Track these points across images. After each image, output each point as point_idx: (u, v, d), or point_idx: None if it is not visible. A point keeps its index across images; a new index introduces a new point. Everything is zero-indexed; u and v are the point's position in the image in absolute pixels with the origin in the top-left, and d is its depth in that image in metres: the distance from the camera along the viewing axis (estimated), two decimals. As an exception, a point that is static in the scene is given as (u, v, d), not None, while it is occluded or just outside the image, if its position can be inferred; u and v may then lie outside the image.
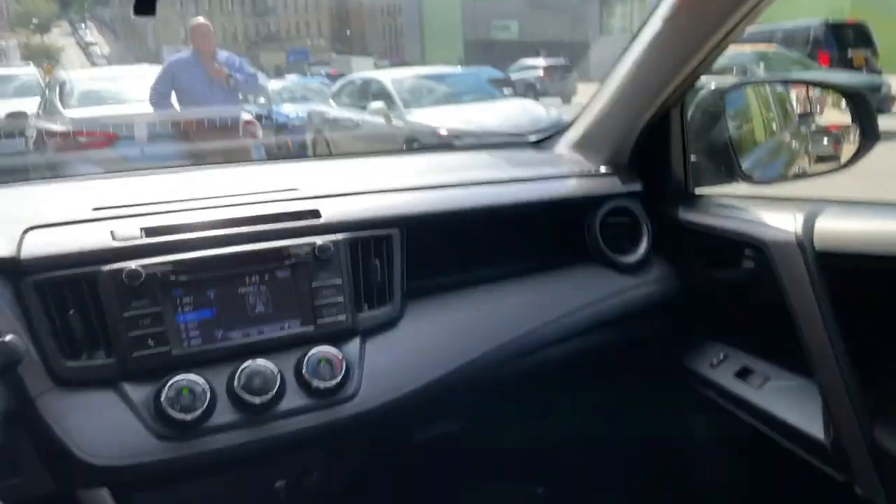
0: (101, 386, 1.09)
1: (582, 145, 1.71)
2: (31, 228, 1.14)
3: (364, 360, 1.22)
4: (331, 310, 1.21)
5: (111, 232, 1.15)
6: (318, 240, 1.23)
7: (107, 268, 1.10)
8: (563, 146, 1.78)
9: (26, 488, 1.08)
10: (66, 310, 1.09)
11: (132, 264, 1.11)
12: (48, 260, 1.09)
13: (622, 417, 1.62)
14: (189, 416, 1.06)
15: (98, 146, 6.06)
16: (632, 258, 1.54)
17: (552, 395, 1.55)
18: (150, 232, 1.17)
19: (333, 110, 9.70)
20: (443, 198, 1.44)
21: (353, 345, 1.23)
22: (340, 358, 1.17)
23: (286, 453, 1.22)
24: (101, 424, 1.06)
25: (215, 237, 1.20)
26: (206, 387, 1.09)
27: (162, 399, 1.06)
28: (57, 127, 6.35)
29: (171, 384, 1.07)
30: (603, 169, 1.63)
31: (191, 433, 1.07)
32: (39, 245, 1.11)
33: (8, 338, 0.89)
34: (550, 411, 1.66)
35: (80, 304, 1.10)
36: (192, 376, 1.09)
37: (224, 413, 1.10)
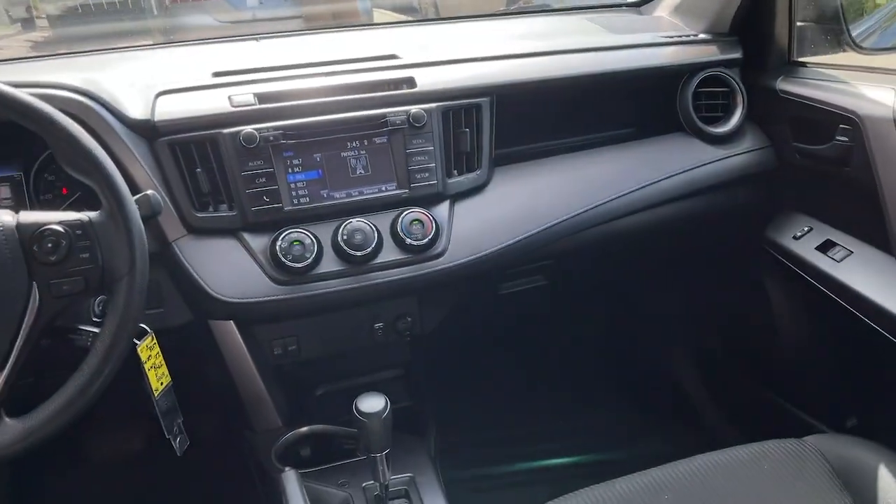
0: (225, 234, 1.26)
1: (682, 9, 1.66)
2: (162, 93, 1.28)
3: (452, 221, 1.33)
4: (423, 174, 1.32)
5: (229, 98, 1.28)
6: (413, 108, 1.31)
7: (226, 131, 1.24)
8: (664, 9, 1.74)
9: (168, 317, 1.29)
10: (194, 168, 1.24)
11: (248, 128, 1.23)
12: (177, 123, 1.24)
13: (699, 287, 1.69)
14: (299, 265, 1.22)
15: (212, -1, 6.20)
16: (724, 128, 1.54)
17: (631, 262, 1.63)
18: (262, 98, 1.29)
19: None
20: (534, 66, 1.47)
21: (443, 207, 1.34)
22: (431, 219, 1.29)
23: (383, 300, 1.38)
24: (227, 267, 1.24)
25: (320, 104, 1.30)
26: (314, 239, 1.23)
27: (277, 248, 1.22)
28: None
29: (284, 236, 1.22)
30: (702, 35, 1.60)
31: (301, 279, 1.24)
32: (169, 109, 1.25)
33: (149, 192, 1.04)
34: (627, 278, 1.75)
35: (206, 162, 1.24)
36: (301, 230, 1.23)
37: (329, 263, 1.25)
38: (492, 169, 1.40)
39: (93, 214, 0.99)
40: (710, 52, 1.56)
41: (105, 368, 0.97)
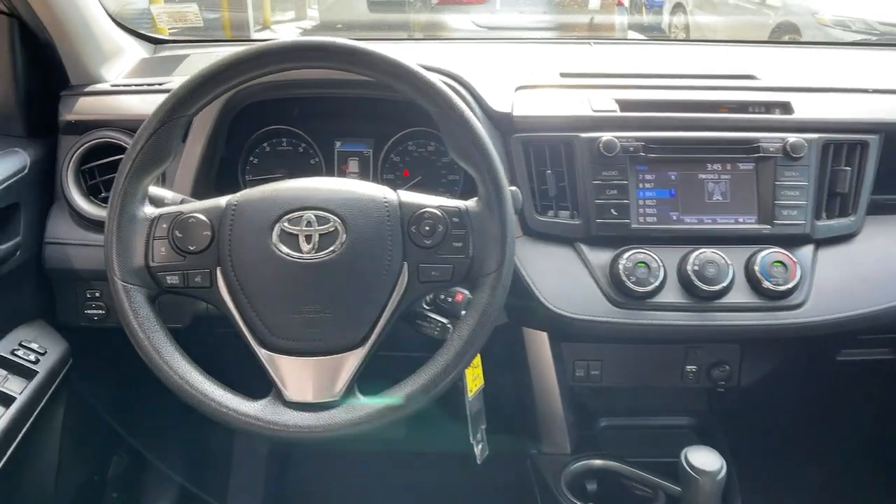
0: (561, 243, 1.18)
1: None
2: (521, 88, 1.24)
3: (815, 269, 1.16)
4: (791, 212, 1.16)
5: (588, 101, 1.21)
6: (791, 137, 1.16)
7: (584, 135, 1.16)
8: None
9: None
10: (544, 169, 1.18)
11: (608, 135, 1.15)
12: (535, 120, 1.19)
13: None
14: (642, 289, 1.12)
15: (475, 2, 6.41)
16: None
17: None
18: (624, 105, 1.20)
19: (702, -15, 8.88)
20: None
21: (807, 252, 1.17)
22: (794, 262, 1.13)
23: (705, 343, 1.24)
24: (561, 278, 1.16)
25: (683, 119, 1.19)
26: (660, 264, 1.12)
27: (620, 268, 1.12)
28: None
29: (629, 256, 1.13)
30: None
31: (639, 304, 1.13)
32: (528, 105, 1.20)
33: (514, 188, 0.99)
34: None
35: (556, 165, 1.18)
36: (648, 251, 1.13)
37: (672, 293, 1.13)
38: (865, 216, 1.21)
39: (469, 203, 0.95)
40: None
41: (458, 365, 0.92)
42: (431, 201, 0.95)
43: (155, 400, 1.56)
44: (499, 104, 1.20)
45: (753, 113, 1.22)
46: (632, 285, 1.12)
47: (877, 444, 1.53)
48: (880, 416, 1.47)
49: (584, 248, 1.17)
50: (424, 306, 1.15)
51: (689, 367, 1.31)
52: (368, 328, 0.92)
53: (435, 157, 1.34)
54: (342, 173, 1.33)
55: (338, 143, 1.33)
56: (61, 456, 1.31)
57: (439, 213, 0.93)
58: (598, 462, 1.29)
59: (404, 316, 0.99)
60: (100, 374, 1.36)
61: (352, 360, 0.92)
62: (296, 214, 0.91)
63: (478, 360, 1.18)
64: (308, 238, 0.91)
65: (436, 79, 0.93)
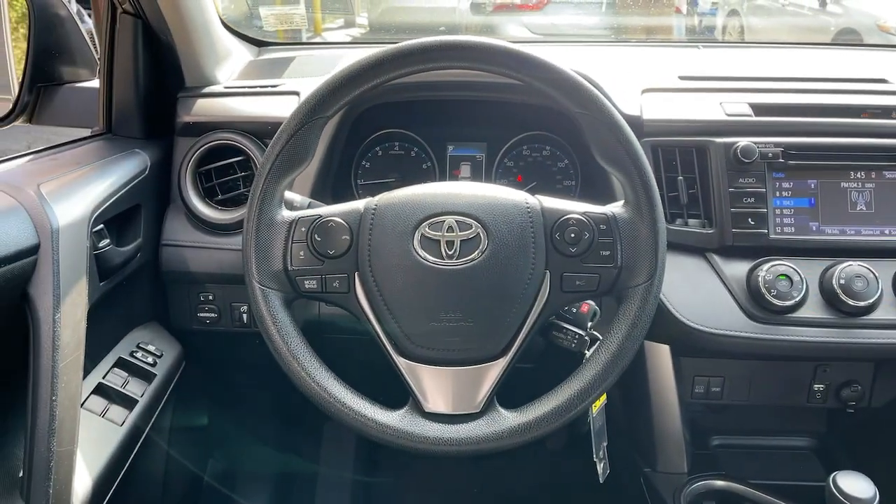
0: (692, 252, 1.13)
1: None
2: (647, 90, 1.19)
3: None
4: None
5: (721, 105, 1.15)
6: None
7: (718, 140, 1.11)
8: None
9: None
10: (674, 175, 1.13)
11: (745, 140, 1.10)
12: (666, 124, 1.14)
13: None
14: (783, 303, 1.06)
15: (531, 7, 6.36)
16: None
17: None
18: (758, 110, 1.15)
19: (760, -11, 8.65)
20: None
21: None
22: None
23: (845, 361, 1.18)
24: (693, 289, 1.11)
25: (823, 124, 1.13)
26: (803, 277, 1.06)
27: (759, 280, 1.07)
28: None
29: (770, 267, 1.07)
30: None
31: (779, 319, 1.07)
32: (657, 108, 1.15)
33: None
34: None
35: (687, 171, 1.13)
36: (789, 263, 1.07)
37: (815, 308, 1.07)
38: None
39: (617, 209, 0.91)
40: None
41: (606, 380, 0.88)
42: (576, 207, 0.91)
43: (254, 407, 1.55)
44: (627, 107, 1.15)
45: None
46: (772, 299, 1.06)
47: None
48: None
49: (718, 259, 1.12)
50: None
51: (816, 386, 1.24)
52: (510, 338, 0.88)
53: (550, 163, 1.30)
54: (453, 178, 1.30)
55: (450, 148, 1.30)
56: (169, 454, 1.30)
57: (585, 220, 0.89)
58: (719, 483, 1.23)
59: (545, 325, 0.95)
60: (206, 377, 1.34)
61: (493, 372, 0.88)
62: (437, 219, 0.88)
63: None
64: (450, 244, 0.88)
65: (582, 80, 0.89)
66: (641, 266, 0.88)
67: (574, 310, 1.04)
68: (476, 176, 1.30)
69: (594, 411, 1.13)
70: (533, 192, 1.27)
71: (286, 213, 0.91)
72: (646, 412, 1.26)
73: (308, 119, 0.89)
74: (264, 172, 0.90)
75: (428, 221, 0.88)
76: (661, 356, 1.21)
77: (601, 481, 1.12)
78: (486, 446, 0.87)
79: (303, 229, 0.90)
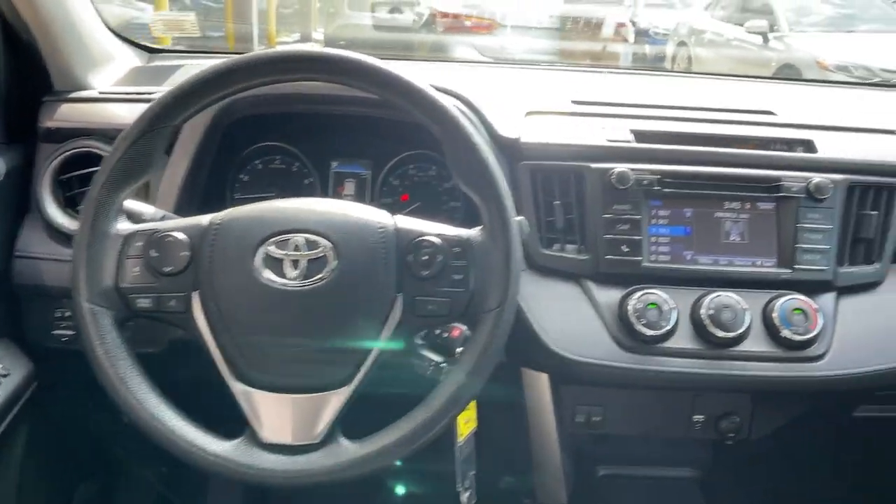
0: (567, 279, 1.11)
1: None
2: (531, 113, 1.17)
3: (837, 319, 1.09)
4: (813, 256, 1.09)
5: (602, 130, 1.14)
6: (816, 177, 1.09)
7: (595, 165, 1.10)
8: None
9: None
10: (552, 199, 1.11)
11: (621, 166, 1.09)
12: (545, 147, 1.12)
13: None
14: (652, 332, 1.04)
15: (482, 30, 6.42)
16: None
17: None
18: (640, 136, 1.14)
19: (706, 23, 8.87)
20: None
21: (828, 300, 1.10)
22: (816, 311, 1.05)
23: (717, 392, 1.17)
24: (565, 316, 1.09)
25: (701, 153, 1.12)
26: (673, 306, 1.05)
27: (629, 308, 1.05)
28: (450, 8, 6.78)
29: (640, 296, 1.05)
30: None
31: (649, 349, 1.05)
32: (538, 131, 1.14)
33: (521, 218, 0.92)
34: None
35: (565, 196, 1.11)
36: (659, 292, 1.06)
37: (684, 338, 1.06)
38: (890, 265, 1.14)
39: (472, 232, 0.88)
40: None
41: (450, 411, 0.84)
42: (431, 228, 0.88)
43: (126, 428, 1.47)
44: (507, 129, 1.13)
45: (775, 150, 1.15)
46: (641, 328, 1.04)
47: None
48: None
49: (592, 286, 1.10)
50: (418, 342, 1.07)
51: (696, 417, 1.23)
52: (355, 365, 0.84)
53: (436, 182, 1.27)
54: (337, 195, 1.26)
55: (334, 164, 1.26)
56: (22, 483, 1.22)
57: (439, 242, 0.86)
58: None
59: (397, 352, 0.91)
60: (69, 397, 1.27)
61: (336, 400, 0.84)
62: (283, 237, 0.84)
63: (472, 402, 1.10)
64: (294, 263, 0.83)
65: (442, 97, 0.87)
66: (493, 292, 0.85)
67: (445, 334, 1.01)
68: (360, 193, 1.26)
69: (461, 440, 1.10)
70: (417, 212, 1.25)
71: (123, 226, 0.86)
72: (525, 441, 1.23)
73: (150, 127, 0.85)
74: (98, 182, 0.84)
75: (274, 239, 0.84)
76: (540, 384, 1.19)
77: None
78: (323, 479, 0.83)
79: (139, 244, 0.85)
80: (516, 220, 0.92)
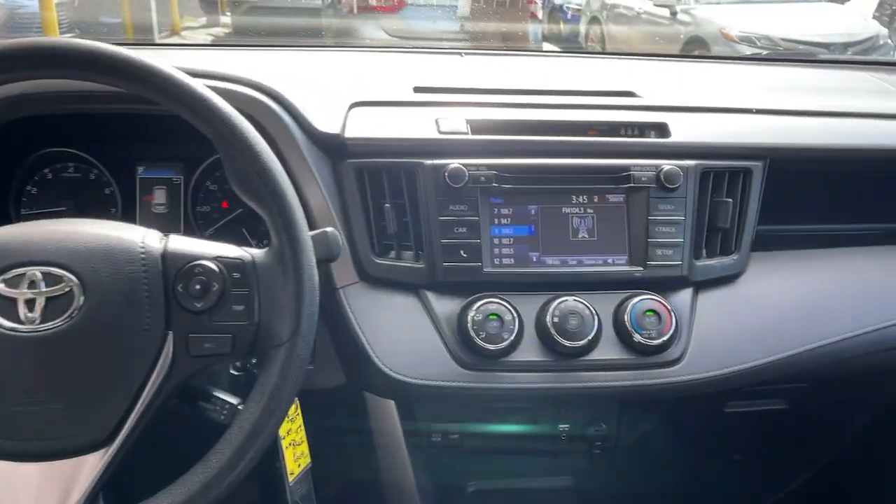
0: (404, 290, 0.99)
1: None
2: (357, 104, 1.04)
3: (695, 318, 1.01)
4: (666, 251, 1.00)
5: (436, 122, 1.02)
6: (665, 164, 1.00)
7: (429, 162, 0.98)
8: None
9: (318, 377, 1.04)
10: (382, 202, 0.99)
11: (455, 162, 0.97)
12: (371, 143, 0.99)
13: None
14: (493, 346, 0.93)
15: (388, 10, 6.24)
16: None
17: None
18: (476, 128, 1.02)
19: (617, -5, 8.81)
20: (820, 129, 1.13)
21: (685, 297, 1.01)
22: (669, 311, 0.97)
23: (581, 404, 1.08)
24: (401, 334, 0.97)
25: (544, 144, 1.02)
26: (515, 316, 0.94)
27: (468, 321, 0.94)
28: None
29: (479, 307, 0.94)
30: None
31: (492, 365, 0.95)
32: (363, 125, 1.01)
33: (329, 229, 0.80)
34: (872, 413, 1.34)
35: (397, 197, 0.99)
36: (501, 301, 0.95)
37: (530, 350, 0.96)
38: (749, 255, 1.07)
39: (257, 253, 0.75)
40: None
41: (241, 461, 0.71)
42: (209, 250, 0.74)
43: None
44: (326, 124, 1.00)
45: (625, 136, 1.06)
46: (481, 342, 0.93)
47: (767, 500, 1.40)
48: (770, 470, 1.34)
49: (431, 297, 0.98)
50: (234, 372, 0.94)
51: (562, 427, 1.14)
52: (118, 420, 0.70)
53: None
54: (146, 206, 1.10)
55: (140, 169, 1.11)
56: None
57: (215, 268, 0.73)
58: None
59: (184, 397, 0.78)
60: None
61: (92, 464, 0.70)
62: (15, 272, 0.69)
63: (302, 435, 0.98)
64: (30, 304, 0.69)
65: (208, 93, 0.73)
66: (282, 322, 0.73)
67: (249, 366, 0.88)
68: (174, 202, 1.11)
69: (291, 481, 0.97)
70: (238, 221, 1.11)
71: None
72: (375, 466, 1.11)
73: None
74: None
75: (3, 276, 0.69)
76: (385, 407, 1.07)
77: None
78: None
79: None
80: (323, 232, 0.79)
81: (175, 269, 0.72)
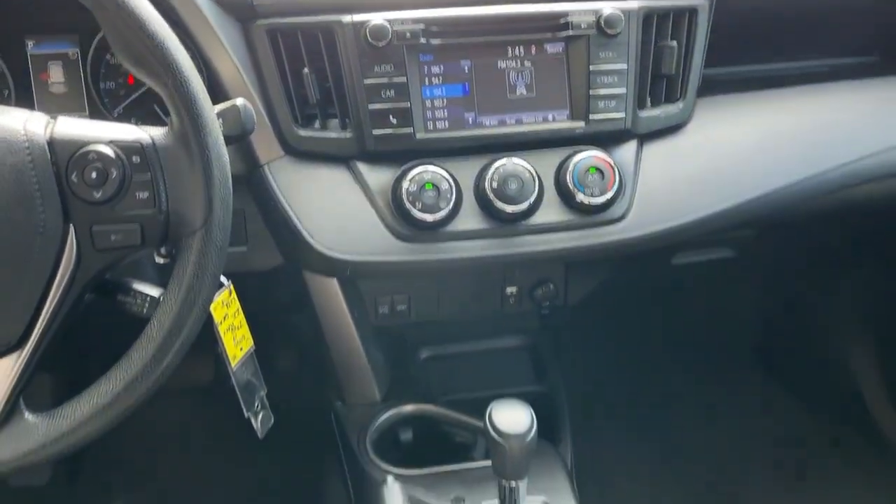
0: (333, 162, 0.93)
1: None
2: None
3: (639, 172, 0.97)
4: (608, 103, 0.94)
5: None
6: (605, 7, 0.92)
7: (347, 19, 0.89)
8: None
9: (252, 259, 1.00)
10: (301, 67, 0.90)
11: (377, 17, 0.88)
12: (281, 1, 0.89)
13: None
14: (431, 217, 0.89)
15: None
16: None
17: (851, 244, 1.23)
18: None
19: None
20: None
21: (629, 151, 0.97)
22: (613, 167, 0.93)
23: (528, 265, 1.06)
24: (334, 209, 0.92)
25: None
26: (452, 184, 0.90)
27: (403, 192, 0.89)
28: None
29: (414, 176, 0.89)
30: None
31: (431, 236, 0.91)
32: None
33: (238, 100, 0.72)
34: (823, 257, 1.36)
35: (316, 61, 0.90)
36: (436, 169, 0.90)
37: (469, 218, 0.92)
38: (695, 102, 1.02)
39: (157, 134, 0.68)
40: None
41: (165, 356, 0.68)
42: (100, 133, 0.67)
43: None
44: None
45: None
46: (419, 213, 0.89)
47: (718, 350, 1.44)
48: (719, 321, 1.36)
49: (362, 168, 0.93)
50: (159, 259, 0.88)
51: (509, 290, 1.13)
52: (27, 321, 0.66)
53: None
54: (42, 85, 0.99)
55: (30, 44, 0.99)
56: None
57: (110, 153, 0.66)
58: (408, 408, 1.12)
59: (101, 292, 0.73)
60: None
61: (6, 368, 0.66)
62: None
63: (241, 319, 0.95)
64: None
65: None
66: (193, 208, 0.67)
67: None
68: (73, 79, 1.00)
69: (234, 365, 0.95)
70: (147, 98, 1.01)
71: None
72: (322, 344, 1.10)
73: None
74: None
75: None
76: (327, 283, 1.04)
77: (260, 436, 0.96)
78: (10, 467, 0.67)
79: None
80: (232, 104, 0.72)
81: (66, 156, 0.65)
